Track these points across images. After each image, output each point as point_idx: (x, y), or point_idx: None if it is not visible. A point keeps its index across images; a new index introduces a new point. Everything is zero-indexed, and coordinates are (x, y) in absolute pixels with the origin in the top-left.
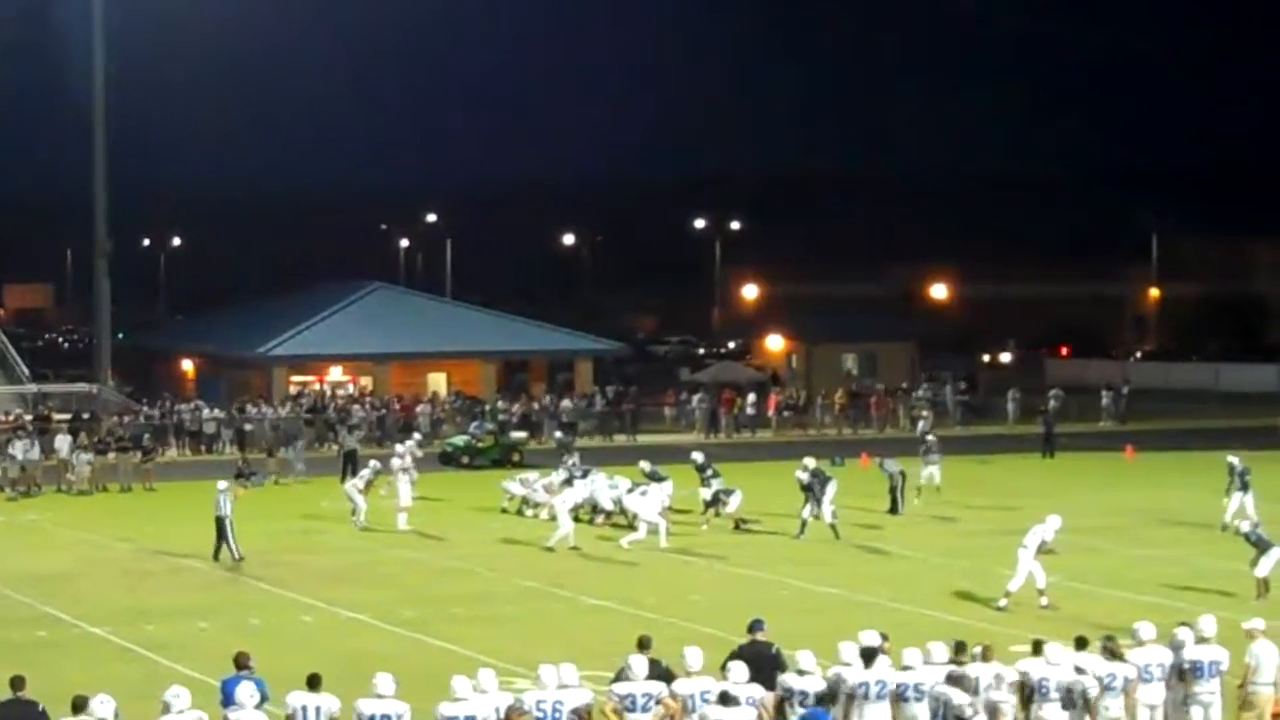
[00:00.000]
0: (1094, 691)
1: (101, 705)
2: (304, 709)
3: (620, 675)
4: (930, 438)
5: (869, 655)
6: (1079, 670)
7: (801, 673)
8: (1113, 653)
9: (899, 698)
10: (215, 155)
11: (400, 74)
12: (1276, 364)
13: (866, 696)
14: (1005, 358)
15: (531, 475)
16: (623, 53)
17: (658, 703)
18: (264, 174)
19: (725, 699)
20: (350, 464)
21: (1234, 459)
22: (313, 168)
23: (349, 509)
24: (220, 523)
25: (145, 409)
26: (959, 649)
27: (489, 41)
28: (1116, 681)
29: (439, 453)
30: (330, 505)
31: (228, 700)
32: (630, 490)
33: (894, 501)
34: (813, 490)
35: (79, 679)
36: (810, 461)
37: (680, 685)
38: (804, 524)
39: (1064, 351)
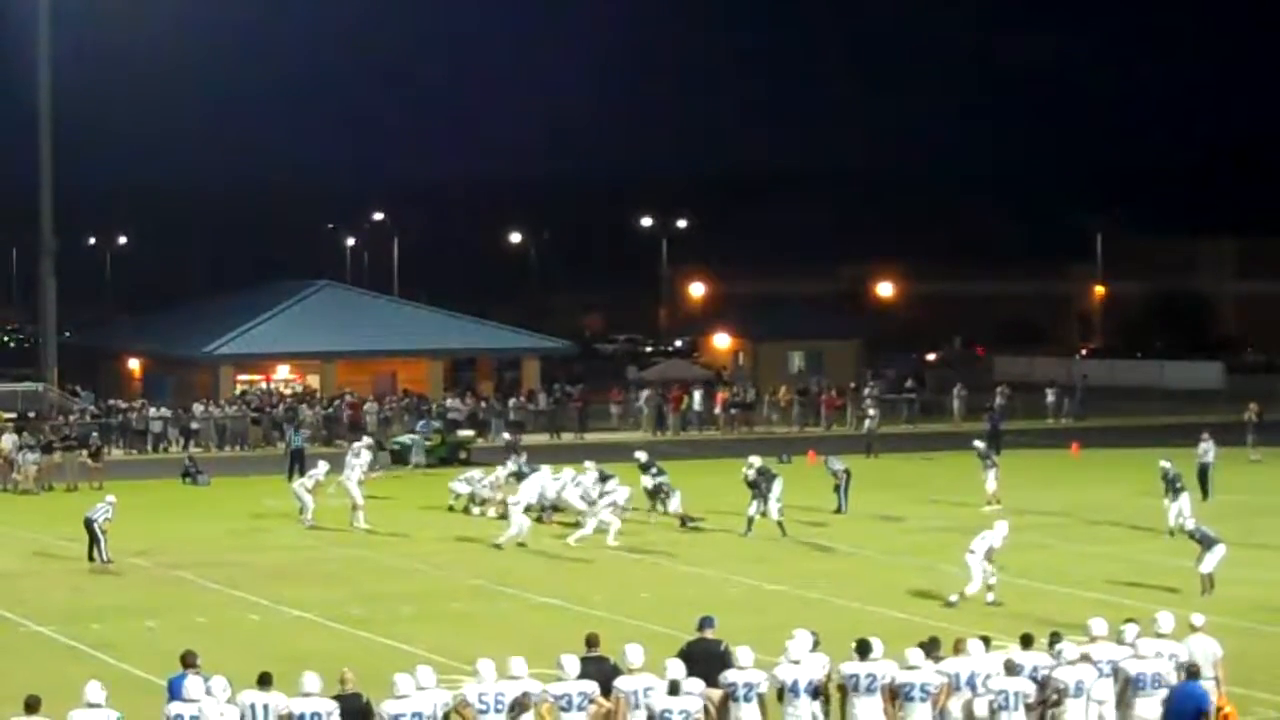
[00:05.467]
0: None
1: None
2: (253, 707)
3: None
4: (979, 444)
5: (864, 648)
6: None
7: (742, 667)
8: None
9: (904, 696)
10: (162, 154)
11: (347, 73)
12: (1221, 361)
13: (856, 689)
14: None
15: (476, 473)
16: (570, 52)
17: (591, 701)
18: (211, 173)
19: (674, 689)
20: (297, 463)
21: (1166, 464)
22: (260, 167)
23: (296, 508)
24: (88, 524)
25: (90, 408)
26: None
27: (436, 41)
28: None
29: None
30: (277, 504)
31: (175, 697)
32: (571, 483)
33: (840, 499)
34: (759, 488)
35: (25, 679)
36: (756, 459)
37: (622, 682)
38: (750, 521)
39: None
